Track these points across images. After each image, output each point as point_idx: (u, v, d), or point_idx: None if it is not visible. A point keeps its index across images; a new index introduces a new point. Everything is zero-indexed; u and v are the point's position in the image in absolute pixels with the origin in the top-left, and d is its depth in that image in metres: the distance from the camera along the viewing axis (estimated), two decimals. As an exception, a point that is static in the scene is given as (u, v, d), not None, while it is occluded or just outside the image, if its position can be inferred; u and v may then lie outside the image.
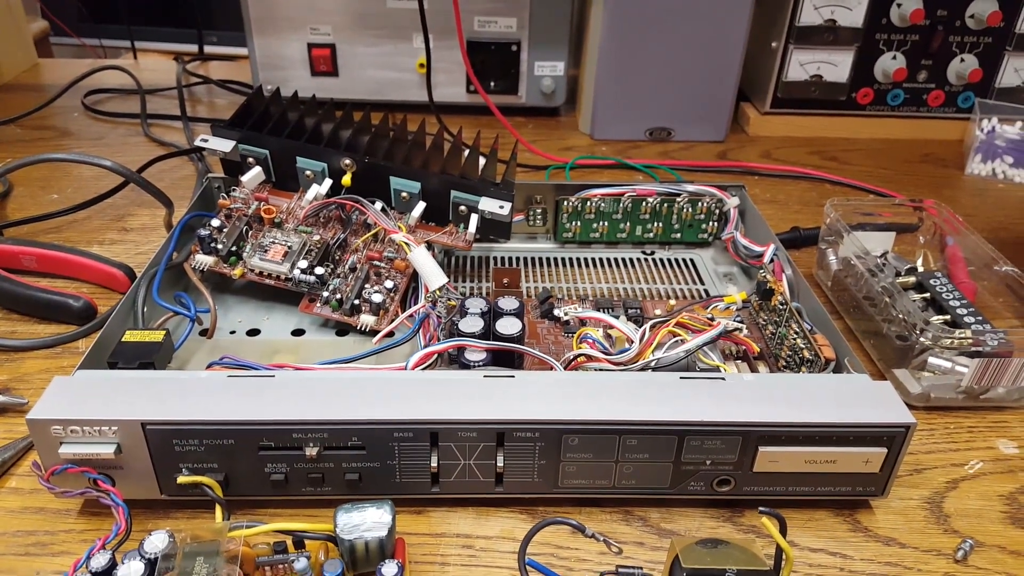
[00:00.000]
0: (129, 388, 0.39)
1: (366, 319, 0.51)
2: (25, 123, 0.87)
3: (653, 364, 0.43)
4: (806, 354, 0.46)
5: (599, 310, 0.52)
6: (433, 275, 0.51)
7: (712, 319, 0.48)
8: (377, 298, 0.51)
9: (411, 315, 0.50)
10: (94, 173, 0.75)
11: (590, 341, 0.44)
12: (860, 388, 0.41)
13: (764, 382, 0.42)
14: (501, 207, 0.54)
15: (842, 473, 0.40)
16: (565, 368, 0.44)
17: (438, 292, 0.50)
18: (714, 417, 0.38)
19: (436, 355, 0.44)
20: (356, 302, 0.52)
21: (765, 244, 0.56)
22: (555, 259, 0.63)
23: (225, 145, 0.57)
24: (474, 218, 0.55)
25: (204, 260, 0.53)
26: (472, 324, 0.46)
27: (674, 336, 0.45)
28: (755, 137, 0.91)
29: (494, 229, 0.56)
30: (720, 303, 0.52)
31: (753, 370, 0.49)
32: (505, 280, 0.52)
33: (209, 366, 0.44)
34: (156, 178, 0.76)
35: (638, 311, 0.53)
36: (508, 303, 0.48)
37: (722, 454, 0.39)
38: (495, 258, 0.62)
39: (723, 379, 0.41)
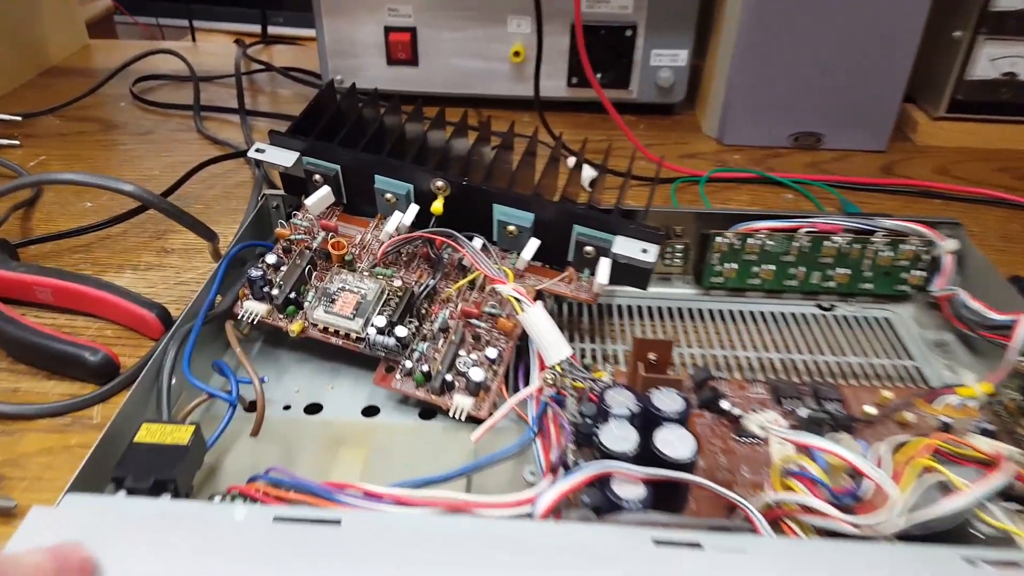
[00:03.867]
0: (131, 537, 0.26)
1: (461, 402, 0.38)
2: (67, 113, 0.77)
3: (905, 523, 0.28)
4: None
5: (778, 400, 0.38)
6: (553, 345, 0.38)
7: (948, 425, 0.33)
8: (477, 374, 0.38)
9: (522, 400, 0.37)
10: (135, 178, 0.64)
11: (807, 479, 0.29)
12: None
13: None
14: (644, 251, 0.40)
15: None
16: (764, 517, 0.29)
17: (559, 368, 0.37)
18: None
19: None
20: (448, 377, 0.39)
21: (1013, 311, 0.40)
22: (697, 311, 0.48)
23: (286, 158, 0.45)
24: (604, 263, 0.41)
25: (255, 309, 0.41)
26: (621, 436, 0.32)
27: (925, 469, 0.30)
28: (923, 148, 0.73)
29: (628, 276, 0.42)
30: (952, 397, 0.37)
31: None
32: (652, 357, 0.38)
33: (250, 480, 0.32)
34: (208, 184, 0.65)
35: (838, 404, 0.38)
36: (668, 401, 0.33)
37: None
38: (615, 306, 0.49)
39: (1028, 562, 0.26)
